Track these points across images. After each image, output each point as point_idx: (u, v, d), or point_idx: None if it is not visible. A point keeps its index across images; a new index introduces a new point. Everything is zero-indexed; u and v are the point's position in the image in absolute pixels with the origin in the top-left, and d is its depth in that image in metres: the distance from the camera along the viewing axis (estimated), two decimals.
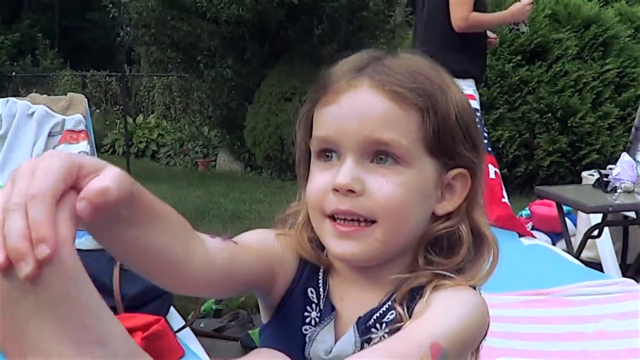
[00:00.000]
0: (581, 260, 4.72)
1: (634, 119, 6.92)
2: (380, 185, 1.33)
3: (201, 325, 4.20)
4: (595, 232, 5.13)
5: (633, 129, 6.23)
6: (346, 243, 1.36)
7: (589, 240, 5.14)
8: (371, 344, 1.40)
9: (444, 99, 1.36)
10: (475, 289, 1.42)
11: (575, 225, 5.98)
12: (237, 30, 12.49)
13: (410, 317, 1.37)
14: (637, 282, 4.60)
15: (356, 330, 1.42)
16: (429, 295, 1.36)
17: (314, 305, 1.47)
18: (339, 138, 1.35)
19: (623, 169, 5.04)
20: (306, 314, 1.47)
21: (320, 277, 1.49)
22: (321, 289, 1.48)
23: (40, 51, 28.00)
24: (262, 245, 1.43)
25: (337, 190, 1.34)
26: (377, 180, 1.33)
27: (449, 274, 1.40)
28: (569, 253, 4.82)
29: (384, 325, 1.41)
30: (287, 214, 1.55)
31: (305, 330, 1.46)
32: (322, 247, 1.48)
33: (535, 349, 2.93)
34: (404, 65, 1.38)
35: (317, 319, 1.46)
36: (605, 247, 5.33)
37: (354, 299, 1.46)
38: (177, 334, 2.97)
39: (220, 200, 9.90)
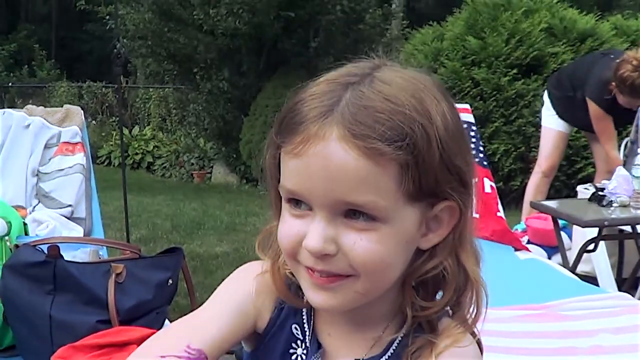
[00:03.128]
0: (577, 274, 4.71)
1: (630, 132, 6.94)
2: (355, 243, 1.22)
3: None
4: (591, 246, 5.13)
5: (629, 143, 6.24)
6: (323, 294, 1.28)
7: (585, 254, 5.13)
8: None
9: (426, 140, 1.21)
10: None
11: (570, 239, 5.98)
12: (234, 42, 12.53)
13: None
14: (633, 296, 4.61)
15: None
16: None
17: (299, 342, 1.42)
18: (308, 196, 1.23)
19: (619, 183, 5.04)
20: (292, 350, 1.42)
21: (304, 312, 1.42)
22: (306, 325, 1.42)
23: (37, 62, 27.97)
24: (234, 315, 1.38)
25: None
26: (351, 238, 1.22)
27: (437, 338, 1.33)
28: (564, 267, 4.81)
29: None
30: (269, 230, 1.44)
31: None
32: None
33: None
34: (379, 98, 1.21)
35: (303, 356, 1.41)
36: (600, 261, 5.33)
37: (342, 338, 1.41)
38: None
39: (216, 213, 9.92)
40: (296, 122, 1.23)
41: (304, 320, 1.42)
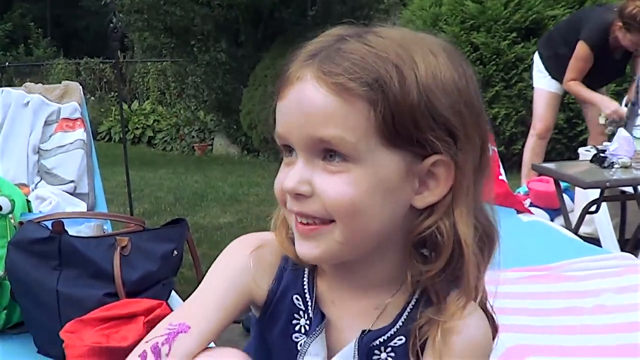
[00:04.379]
0: (579, 236, 4.71)
1: (627, 91, 6.92)
2: (327, 184, 1.24)
3: None
4: (593, 208, 5.14)
5: (630, 105, 6.22)
6: (305, 244, 1.31)
7: (587, 216, 5.14)
8: None
9: (400, 81, 1.21)
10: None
11: (573, 201, 5.98)
12: (231, 13, 12.49)
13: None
14: (636, 256, 4.62)
15: (357, 349, 1.37)
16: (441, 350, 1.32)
17: (301, 312, 1.42)
18: (289, 136, 1.28)
19: (620, 144, 5.04)
20: (294, 321, 1.42)
21: (305, 281, 1.43)
22: (307, 295, 1.42)
23: (33, 40, 27.94)
24: (229, 290, 1.40)
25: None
26: (324, 179, 1.25)
27: (442, 315, 1.33)
28: (567, 229, 4.82)
29: (389, 349, 1.38)
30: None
31: (296, 337, 1.42)
32: None
33: (537, 325, 2.93)
34: (361, 48, 1.24)
35: (307, 327, 1.41)
36: (603, 222, 5.33)
37: (346, 306, 1.41)
38: None
39: (218, 184, 9.93)
40: (284, 71, 1.30)
41: (305, 290, 1.42)
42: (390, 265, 1.37)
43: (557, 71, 6.69)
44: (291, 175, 1.27)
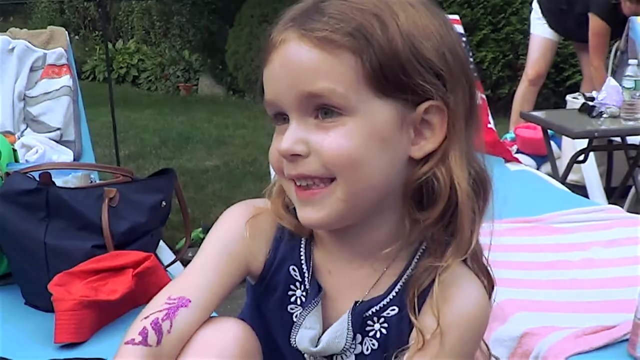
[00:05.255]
0: (566, 184, 4.73)
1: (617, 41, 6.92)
2: (323, 140, 1.25)
3: (189, 254, 4.19)
4: (581, 157, 5.15)
5: (619, 53, 6.21)
6: (308, 209, 1.30)
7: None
8: (367, 337, 1.39)
9: (382, 29, 1.24)
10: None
11: (560, 147, 6.00)
12: None
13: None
14: (622, 206, 4.65)
15: (350, 321, 1.37)
16: (438, 302, 1.33)
17: (298, 284, 1.42)
18: (278, 100, 1.29)
19: (609, 93, 5.03)
20: (290, 292, 1.43)
21: (302, 251, 1.42)
22: (304, 266, 1.42)
23: None
24: (224, 261, 1.39)
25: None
26: (320, 136, 1.26)
27: (445, 263, 1.34)
28: (554, 177, 4.83)
29: (382, 319, 1.39)
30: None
31: (292, 309, 1.42)
32: None
33: (525, 278, 2.94)
34: (339, 5, 1.26)
35: (303, 298, 1.41)
36: (590, 172, 5.36)
37: (343, 274, 1.41)
38: (167, 268, 2.97)
39: (204, 126, 9.90)
40: (269, 34, 1.32)
41: (302, 261, 1.42)
42: (389, 227, 1.37)
43: (557, 22, 6.69)
44: (285, 138, 1.27)
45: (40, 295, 2.60)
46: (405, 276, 1.39)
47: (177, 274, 3.04)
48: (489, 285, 1.46)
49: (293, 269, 1.42)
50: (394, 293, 1.39)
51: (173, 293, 1.35)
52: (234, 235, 1.40)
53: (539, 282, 2.92)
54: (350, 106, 1.24)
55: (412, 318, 1.35)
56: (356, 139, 1.25)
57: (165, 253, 3.21)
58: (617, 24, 6.20)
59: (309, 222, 1.33)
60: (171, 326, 1.31)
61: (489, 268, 1.45)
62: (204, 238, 4.50)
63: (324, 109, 1.25)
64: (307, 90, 1.24)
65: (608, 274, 2.96)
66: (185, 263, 3.32)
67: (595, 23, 6.30)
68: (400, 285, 1.39)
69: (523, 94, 7.06)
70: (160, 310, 1.32)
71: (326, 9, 1.26)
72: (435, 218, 1.33)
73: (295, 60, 1.25)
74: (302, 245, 1.43)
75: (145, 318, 1.32)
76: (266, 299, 1.44)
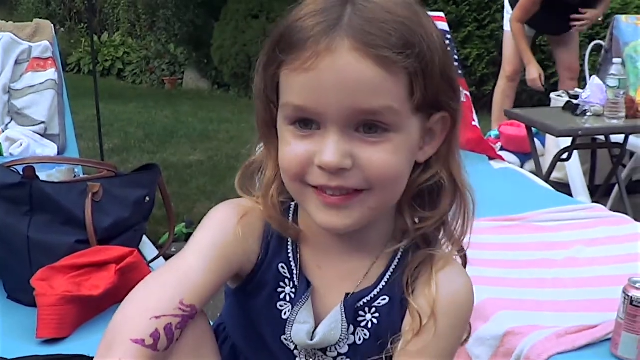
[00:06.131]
0: (550, 182, 4.74)
1: (603, 37, 6.94)
2: (371, 156, 1.25)
3: (172, 249, 4.19)
4: (565, 156, 5.17)
5: (603, 52, 6.23)
6: (334, 213, 1.29)
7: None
8: (359, 327, 1.41)
9: (429, 53, 1.25)
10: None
11: (543, 145, 6.02)
12: None
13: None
14: (605, 204, 4.67)
15: (344, 312, 1.39)
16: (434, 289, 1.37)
17: (287, 281, 1.42)
18: (321, 110, 1.24)
19: (593, 92, 5.04)
20: (279, 289, 1.42)
21: (289, 249, 1.43)
22: (292, 263, 1.42)
23: None
24: (218, 261, 1.36)
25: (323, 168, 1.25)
26: (367, 151, 1.25)
27: (438, 250, 1.41)
28: (537, 175, 4.84)
29: (373, 309, 1.40)
30: (250, 165, 1.46)
31: (281, 306, 1.42)
32: (288, 213, 1.44)
33: (508, 277, 2.95)
34: (380, 10, 1.23)
35: (292, 295, 1.41)
36: (574, 170, 5.38)
37: (333, 268, 1.42)
38: (150, 264, 2.97)
39: (189, 120, 9.89)
40: (301, 38, 1.24)
41: (290, 258, 1.42)
42: (385, 224, 1.41)
43: (528, 19, 6.73)
44: (331, 149, 1.24)
45: (22, 290, 2.60)
46: (393, 265, 1.42)
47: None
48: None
49: (282, 267, 1.42)
50: (383, 283, 1.41)
51: (185, 298, 1.29)
52: (228, 236, 1.37)
53: (522, 280, 2.93)
54: (399, 123, 1.25)
55: (412, 304, 1.38)
56: (401, 155, 1.27)
57: (148, 248, 3.21)
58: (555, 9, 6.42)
59: (331, 226, 1.32)
60: (180, 335, 1.29)
61: (465, 254, 1.48)
62: (187, 233, 4.52)
63: (369, 124, 1.25)
64: (364, 108, 1.22)
65: (591, 273, 2.98)
66: (168, 258, 3.34)
67: None
68: (389, 275, 1.41)
69: (502, 90, 7.10)
70: (175, 316, 1.27)
71: (369, 15, 1.23)
72: (440, 217, 1.39)
73: (354, 76, 1.21)
74: (289, 242, 1.43)
75: (157, 318, 1.26)
76: (255, 298, 1.43)
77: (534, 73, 6.54)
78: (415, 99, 1.25)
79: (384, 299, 1.41)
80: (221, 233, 1.38)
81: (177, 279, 1.32)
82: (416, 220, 1.40)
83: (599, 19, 6.85)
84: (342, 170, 1.25)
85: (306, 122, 1.27)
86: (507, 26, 6.94)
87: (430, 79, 1.25)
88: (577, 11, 6.45)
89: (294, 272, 1.42)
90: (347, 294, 1.40)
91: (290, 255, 1.43)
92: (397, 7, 1.26)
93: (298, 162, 1.28)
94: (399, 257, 1.42)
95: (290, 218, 1.45)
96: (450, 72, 1.30)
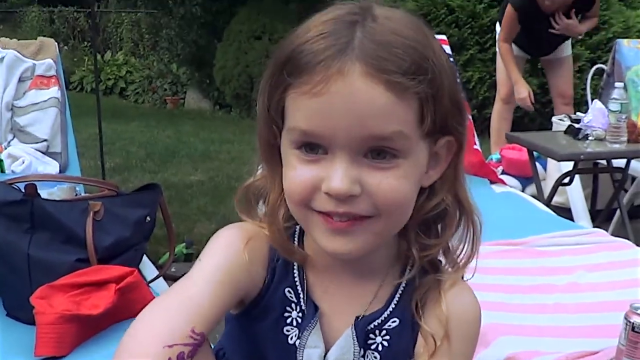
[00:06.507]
0: (551, 206, 4.73)
1: (605, 61, 6.95)
2: (380, 182, 1.22)
3: (172, 269, 4.19)
4: (566, 180, 5.16)
5: (605, 76, 6.24)
6: (339, 239, 1.26)
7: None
8: (368, 350, 1.39)
9: (439, 77, 1.23)
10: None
11: (545, 169, 6.01)
12: None
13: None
14: (607, 229, 4.65)
15: (355, 336, 1.37)
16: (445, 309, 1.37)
17: (294, 305, 1.40)
18: (330, 135, 1.21)
19: (595, 116, 5.04)
20: (286, 314, 1.40)
21: (295, 273, 1.41)
22: (299, 287, 1.40)
23: None
24: (226, 287, 1.32)
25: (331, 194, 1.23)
26: (376, 178, 1.22)
27: (443, 275, 1.40)
28: (539, 199, 4.83)
29: (383, 332, 1.38)
30: (248, 187, 1.43)
31: (287, 331, 1.40)
32: (294, 237, 1.42)
33: (509, 302, 2.93)
34: (390, 33, 1.20)
35: (299, 319, 1.39)
36: (576, 194, 5.37)
37: (340, 291, 1.40)
38: (150, 284, 2.97)
39: (190, 140, 9.90)
40: (310, 61, 1.20)
41: (297, 282, 1.40)
42: (391, 247, 1.40)
43: (519, 41, 6.79)
44: (339, 176, 1.22)
45: (22, 308, 2.59)
46: (401, 289, 1.41)
47: (159, 289, 3.04)
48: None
49: (288, 291, 1.40)
50: (393, 305, 1.40)
51: (196, 326, 1.26)
52: (235, 261, 1.34)
53: (523, 305, 2.92)
54: (409, 149, 1.23)
55: (424, 327, 1.38)
56: (409, 181, 1.26)
57: (148, 268, 3.21)
58: (532, 19, 6.47)
59: (337, 252, 1.30)
60: None
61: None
62: (187, 254, 4.50)
63: (378, 150, 1.22)
64: (374, 134, 1.20)
65: (592, 299, 2.96)
66: (168, 278, 3.33)
67: (507, 8, 6.57)
68: (398, 297, 1.40)
69: (499, 113, 7.12)
70: (187, 345, 1.24)
71: (379, 38, 1.20)
72: (446, 242, 1.39)
73: (365, 102, 1.18)
74: (295, 266, 1.41)
75: (169, 347, 1.23)
76: (260, 323, 1.41)
77: (523, 92, 6.56)
78: (425, 124, 1.24)
79: (394, 322, 1.39)
80: (227, 258, 1.35)
81: (186, 306, 1.29)
82: (420, 246, 1.38)
83: (593, 38, 6.88)
84: (351, 197, 1.22)
85: (312, 147, 1.24)
86: (499, 48, 6.97)
87: (440, 103, 1.24)
88: (546, 35, 6.52)
89: (301, 296, 1.40)
90: (357, 317, 1.38)
91: (296, 279, 1.40)
92: (407, 29, 1.24)
93: (304, 188, 1.26)
94: (406, 281, 1.41)
95: (296, 242, 1.43)
96: (458, 96, 1.29)
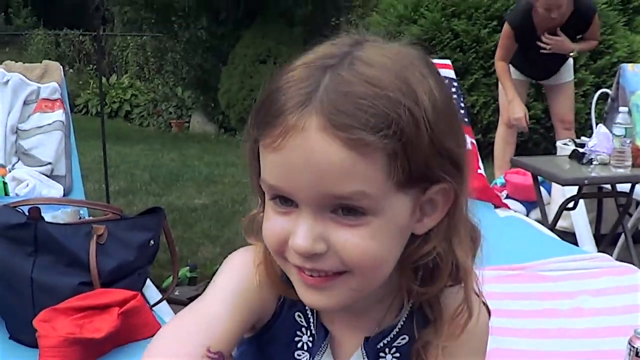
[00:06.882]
0: (555, 231, 4.73)
1: (609, 86, 6.95)
2: (346, 240, 1.15)
3: (176, 293, 4.19)
4: (571, 204, 5.16)
5: (609, 100, 6.25)
6: (316, 293, 1.22)
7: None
8: None
9: (413, 124, 1.12)
10: None
11: (549, 193, 6.01)
12: None
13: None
14: (611, 253, 4.64)
15: (365, 356, 1.37)
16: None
17: (304, 329, 1.38)
18: (291, 192, 1.15)
19: (599, 140, 5.04)
20: (297, 338, 1.39)
21: None
22: (309, 311, 1.37)
23: (14, 9, 27.64)
24: (241, 310, 1.30)
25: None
26: (342, 235, 1.15)
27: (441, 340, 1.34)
28: (543, 224, 4.83)
29: (393, 349, 1.37)
30: (254, 217, 1.36)
31: (299, 355, 1.38)
32: None
33: (512, 327, 2.93)
34: (361, 82, 1.11)
35: (309, 343, 1.38)
36: (580, 219, 5.35)
37: (346, 323, 1.38)
38: (153, 307, 2.96)
39: (195, 163, 9.91)
40: (273, 113, 1.14)
41: (307, 307, 1.37)
42: (388, 287, 1.34)
43: (520, 66, 6.80)
44: (301, 234, 1.16)
45: (25, 331, 2.59)
46: (407, 309, 1.39)
47: (163, 313, 3.04)
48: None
49: (298, 315, 1.38)
50: (401, 323, 1.37)
51: (212, 346, 1.24)
52: (248, 284, 1.33)
53: (526, 330, 2.91)
54: (375, 207, 1.14)
55: (433, 342, 1.34)
56: (381, 238, 1.16)
57: (151, 291, 3.20)
58: (529, 37, 6.45)
59: (316, 306, 1.29)
60: None
61: (484, 300, 1.45)
62: (191, 277, 4.50)
63: (345, 207, 1.14)
64: (333, 193, 1.12)
65: (596, 324, 2.95)
66: (171, 302, 3.33)
67: (504, 27, 6.63)
68: (406, 316, 1.38)
69: (502, 137, 7.10)
70: None
71: (349, 93, 1.10)
72: (436, 292, 1.33)
73: (322, 159, 1.10)
74: None
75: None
76: (271, 346, 1.40)
77: (518, 112, 6.54)
78: (396, 178, 1.13)
79: (404, 338, 1.37)
80: (241, 280, 1.34)
81: (202, 327, 1.27)
82: (410, 291, 1.32)
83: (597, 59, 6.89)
84: (316, 255, 1.17)
85: (285, 199, 1.18)
86: None
87: (416, 155, 1.13)
88: (545, 55, 6.53)
89: (311, 320, 1.38)
90: (366, 337, 1.37)
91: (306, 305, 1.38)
92: (387, 75, 1.14)
93: (276, 240, 1.21)
94: (411, 303, 1.38)
95: None
96: (446, 143, 1.17)
